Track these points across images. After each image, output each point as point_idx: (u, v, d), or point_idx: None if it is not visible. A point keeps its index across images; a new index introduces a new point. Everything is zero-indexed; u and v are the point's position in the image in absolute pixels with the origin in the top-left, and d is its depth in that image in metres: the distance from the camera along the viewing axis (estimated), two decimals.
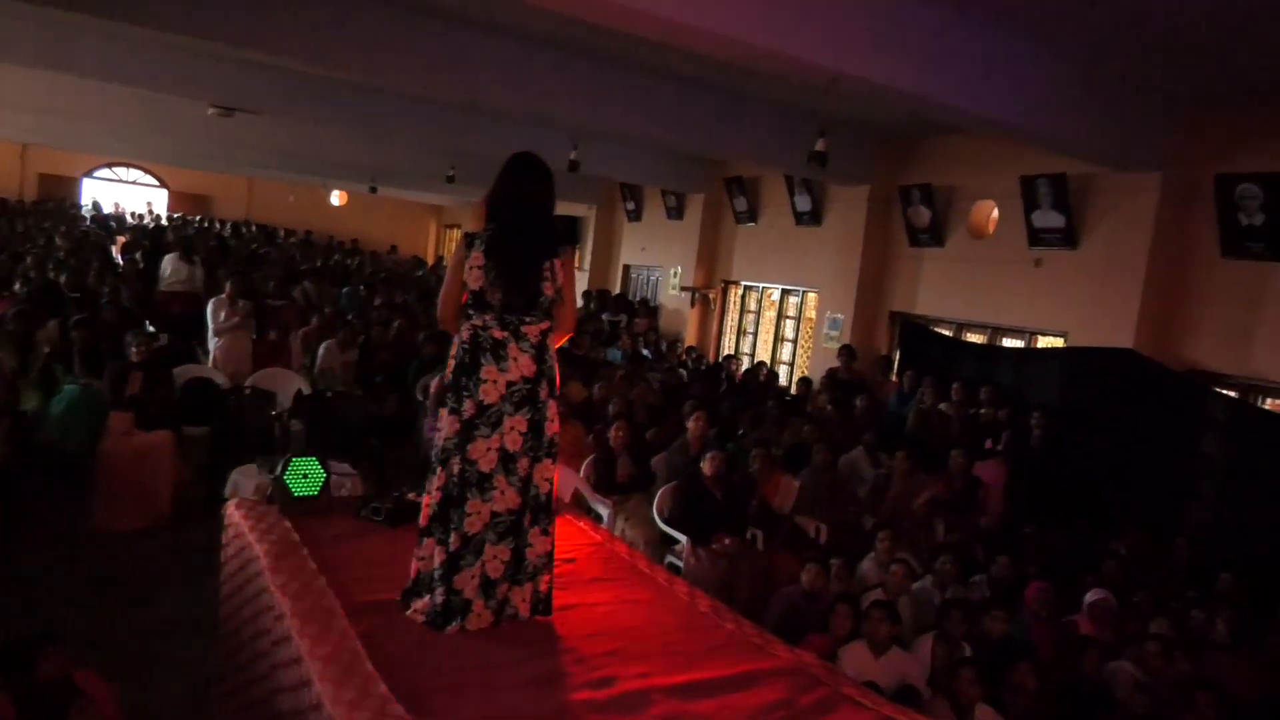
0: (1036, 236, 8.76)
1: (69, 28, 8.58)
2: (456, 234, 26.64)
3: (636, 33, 5.48)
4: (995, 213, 9.63)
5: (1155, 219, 7.62)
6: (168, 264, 10.10)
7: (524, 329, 2.99)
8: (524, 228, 3.03)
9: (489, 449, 2.96)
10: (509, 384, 2.97)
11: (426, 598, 3.00)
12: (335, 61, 7.50)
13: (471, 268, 2.96)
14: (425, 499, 3.10)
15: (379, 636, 2.82)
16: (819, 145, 6.09)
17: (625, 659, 2.89)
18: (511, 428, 2.98)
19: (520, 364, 2.98)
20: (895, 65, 5.79)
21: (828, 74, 5.61)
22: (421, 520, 3.09)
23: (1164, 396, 7.48)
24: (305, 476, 3.91)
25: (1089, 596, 5.44)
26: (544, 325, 3.04)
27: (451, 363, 3.03)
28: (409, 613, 3.02)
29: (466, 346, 2.98)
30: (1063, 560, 6.23)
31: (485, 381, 2.95)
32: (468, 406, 2.96)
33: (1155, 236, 7.63)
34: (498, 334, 2.96)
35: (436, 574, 2.97)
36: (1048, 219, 8.61)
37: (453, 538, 2.96)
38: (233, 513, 3.80)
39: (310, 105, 10.33)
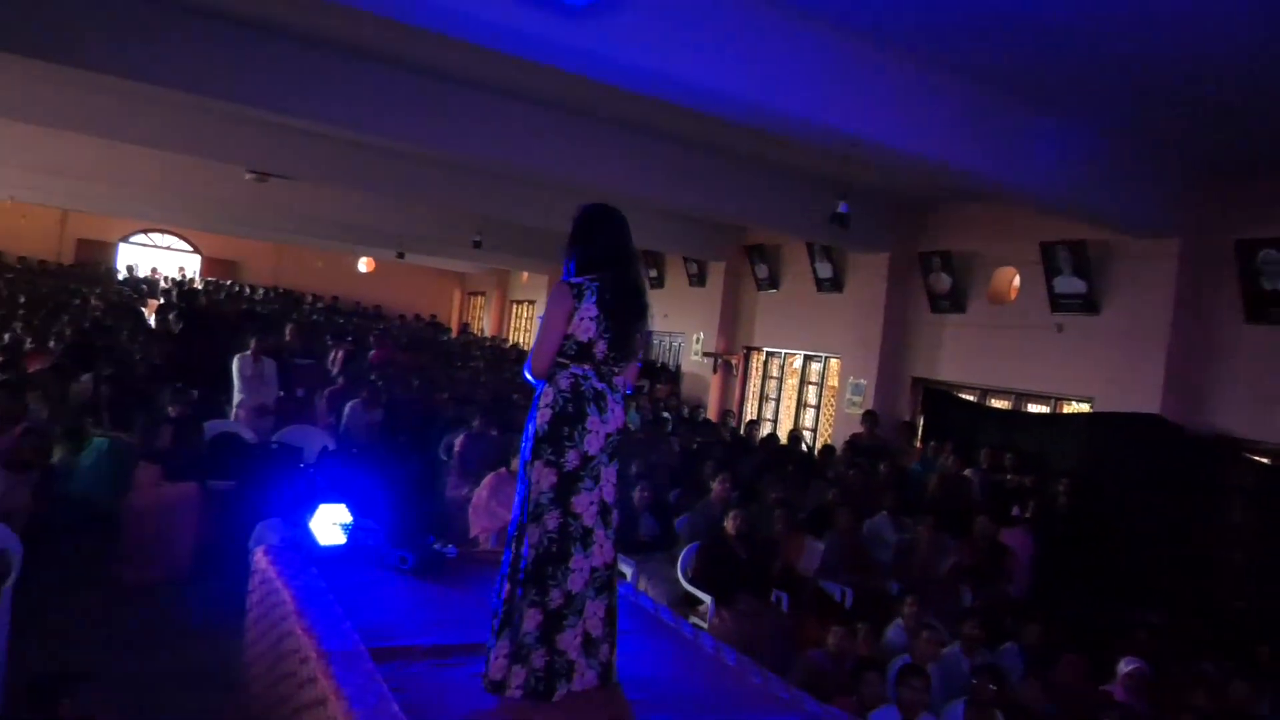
0: (1058, 302, 8.79)
1: (111, 93, 8.91)
2: (480, 300, 26.96)
3: (662, 98, 5.63)
4: (1016, 279, 9.67)
5: (1177, 284, 7.64)
6: None
7: (614, 380, 2.96)
8: (634, 284, 3.02)
9: (590, 503, 2.88)
10: (607, 435, 2.91)
11: (522, 669, 2.81)
12: (368, 126, 7.77)
13: (583, 319, 2.87)
14: (509, 562, 2.88)
15: (404, 681, 2.81)
16: (840, 207, 6.19)
17: (652, 709, 2.86)
18: (608, 480, 2.93)
19: (615, 415, 2.94)
20: (913, 132, 5.92)
21: (847, 140, 5.73)
22: (505, 587, 2.87)
23: (1193, 463, 7.39)
24: (333, 524, 3.93)
25: (1123, 666, 5.30)
26: (622, 375, 3.01)
27: (547, 413, 2.87)
28: (505, 693, 2.80)
29: (568, 396, 2.87)
30: (1093, 630, 6.10)
31: (590, 432, 2.87)
32: (571, 458, 2.85)
33: (1177, 302, 7.64)
34: (598, 385, 2.90)
35: (531, 638, 2.81)
36: (1069, 285, 8.65)
37: (553, 595, 2.82)
38: (261, 559, 3.82)
39: (342, 171, 10.63)
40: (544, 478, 2.86)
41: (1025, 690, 4.78)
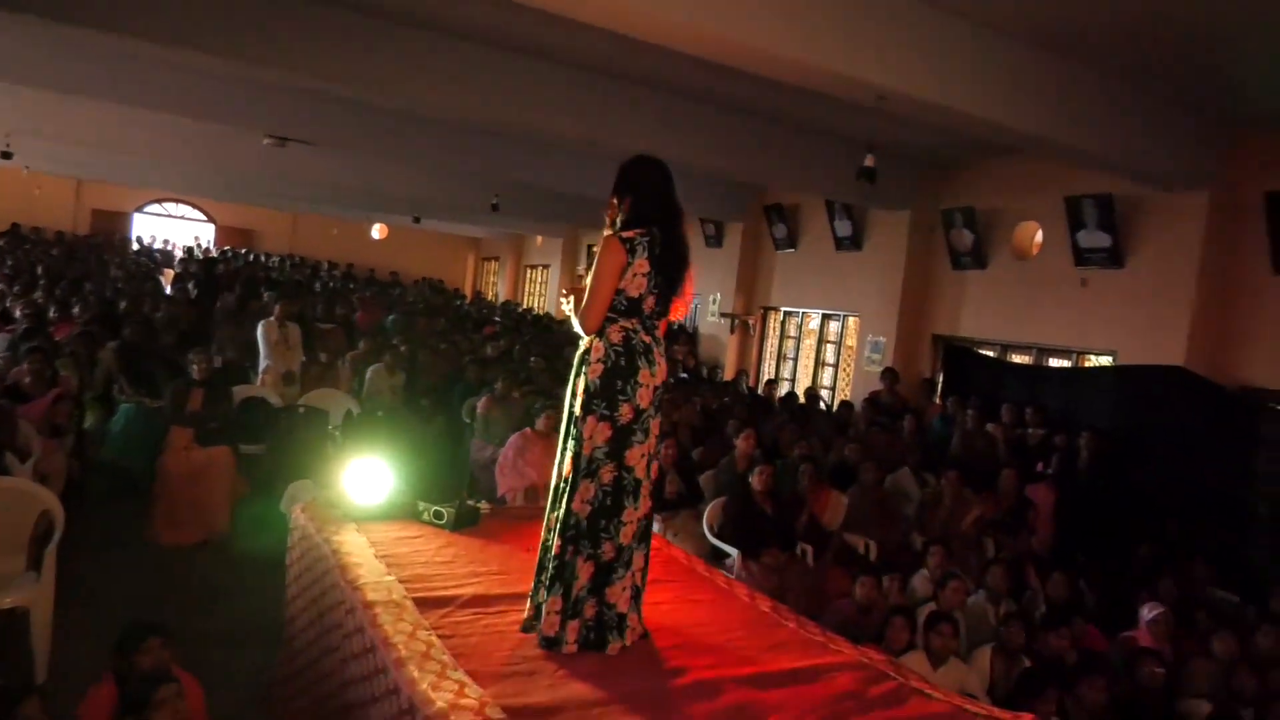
0: (1082, 256, 8.72)
1: (127, 58, 8.84)
2: (494, 265, 26.95)
3: (684, 51, 5.57)
4: (1039, 234, 9.60)
5: (1204, 237, 7.57)
6: None
7: (657, 333, 2.98)
8: (681, 240, 3.01)
9: (642, 455, 2.90)
10: (655, 389, 2.92)
11: (576, 622, 2.86)
12: (385, 88, 7.70)
13: (636, 274, 2.87)
14: (560, 518, 2.92)
15: (449, 628, 2.87)
16: (867, 161, 6.13)
17: (692, 652, 2.92)
18: (653, 432, 2.95)
19: (661, 368, 2.96)
20: (944, 83, 5.85)
21: (875, 92, 5.67)
22: (557, 541, 2.92)
23: (1217, 415, 7.36)
24: (366, 482, 3.98)
25: (1146, 612, 5.35)
26: (662, 328, 3.02)
27: (599, 367, 2.87)
28: (560, 649, 2.83)
29: (620, 349, 2.87)
30: (1117, 580, 6.15)
31: (642, 386, 2.87)
32: (625, 411, 2.86)
33: (1204, 254, 7.57)
34: (645, 338, 2.91)
35: (584, 590, 2.86)
36: (1093, 239, 8.57)
37: (605, 548, 2.87)
38: (299, 516, 3.88)
39: (360, 135, 10.57)
40: (598, 432, 2.87)
41: (1053, 638, 4.83)
